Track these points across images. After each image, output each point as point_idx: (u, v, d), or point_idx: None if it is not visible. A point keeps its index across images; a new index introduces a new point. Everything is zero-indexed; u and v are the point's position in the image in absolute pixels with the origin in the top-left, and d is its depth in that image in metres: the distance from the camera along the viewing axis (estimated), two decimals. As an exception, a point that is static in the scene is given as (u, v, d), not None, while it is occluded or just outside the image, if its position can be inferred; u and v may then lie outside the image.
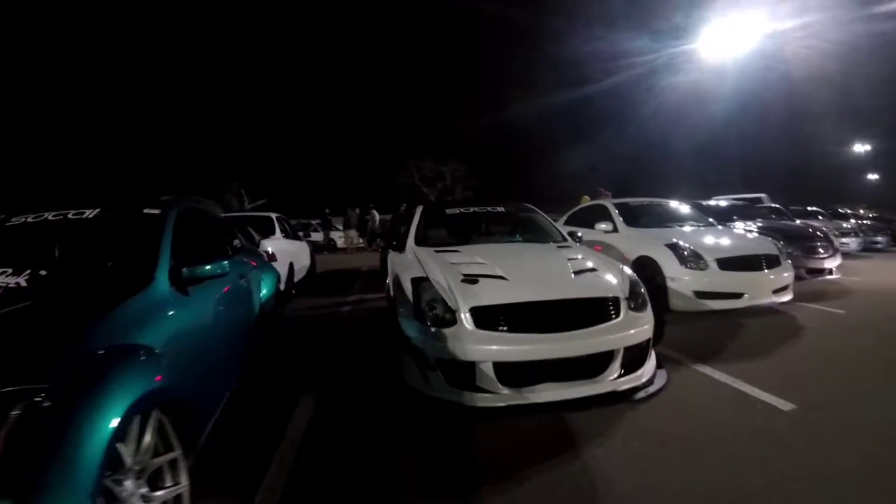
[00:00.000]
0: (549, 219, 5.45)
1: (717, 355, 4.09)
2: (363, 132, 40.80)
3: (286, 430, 2.94)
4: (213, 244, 3.59)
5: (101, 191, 21.79)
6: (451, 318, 3.07)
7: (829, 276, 7.75)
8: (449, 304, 3.14)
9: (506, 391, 2.91)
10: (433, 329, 3.08)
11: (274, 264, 7.09)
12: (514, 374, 2.94)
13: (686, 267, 5.42)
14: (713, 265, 5.38)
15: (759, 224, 8.78)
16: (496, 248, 4.35)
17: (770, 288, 5.43)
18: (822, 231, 8.63)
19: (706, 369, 3.77)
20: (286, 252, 7.84)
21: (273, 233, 8.13)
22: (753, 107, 32.19)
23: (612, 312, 3.20)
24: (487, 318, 3.03)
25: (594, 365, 3.07)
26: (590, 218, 7.28)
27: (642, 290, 3.51)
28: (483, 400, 2.92)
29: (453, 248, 4.21)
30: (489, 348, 2.93)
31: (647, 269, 5.73)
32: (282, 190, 29.68)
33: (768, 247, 5.87)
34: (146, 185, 24.23)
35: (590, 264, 3.68)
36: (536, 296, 3.18)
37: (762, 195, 13.54)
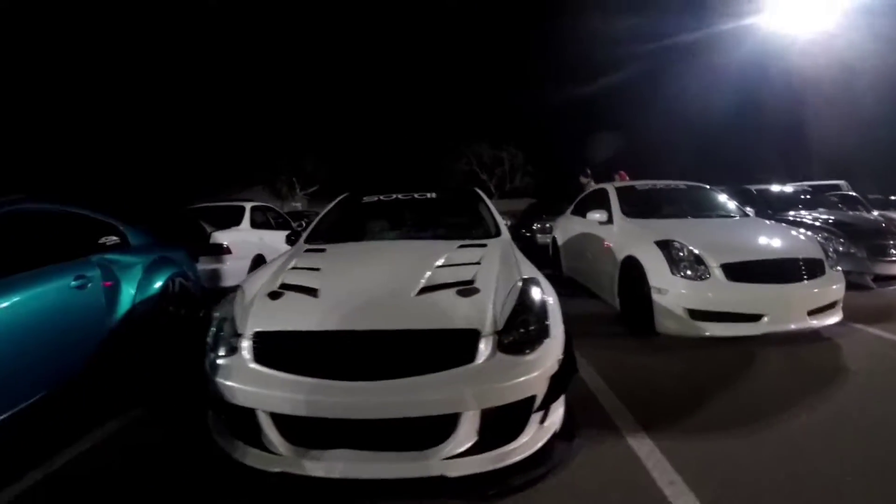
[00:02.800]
0: (490, 209, 4.18)
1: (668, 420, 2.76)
2: (421, 118, 39.96)
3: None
4: (41, 248, 3.23)
5: (164, 183, 22.58)
6: (234, 346, 2.26)
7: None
8: (236, 325, 2.34)
9: (285, 452, 2.05)
10: (212, 357, 2.29)
11: (230, 257, 6.65)
12: (303, 428, 2.05)
13: (678, 274, 3.95)
14: (717, 273, 3.86)
15: (818, 216, 6.84)
16: (369, 248, 3.45)
17: (804, 306, 3.84)
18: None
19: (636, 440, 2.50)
20: (250, 244, 7.38)
21: (238, 223, 7.44)
22: (844, 85, 27.32)
23: (465, 353, 2.09)
24: (272, 349, 2.19)
25: (425, 431, 2.01)
26: (592, 205, 5.93)
27: (538, 317, 2.31)
28: (255, 459, 2.10)
29: (320, 247, 3.39)
30: (266, 392, 2.06)
31: (633, 274, 4.36)
32: (339, 177, 29.70)
33: (809, 248, 4.21)
34: (207, 176, 24.98)
35: (468, 276, 2.53)
36: (337, 323, 2.21)
37: (841, 182, 11.65)
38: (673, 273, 3.95)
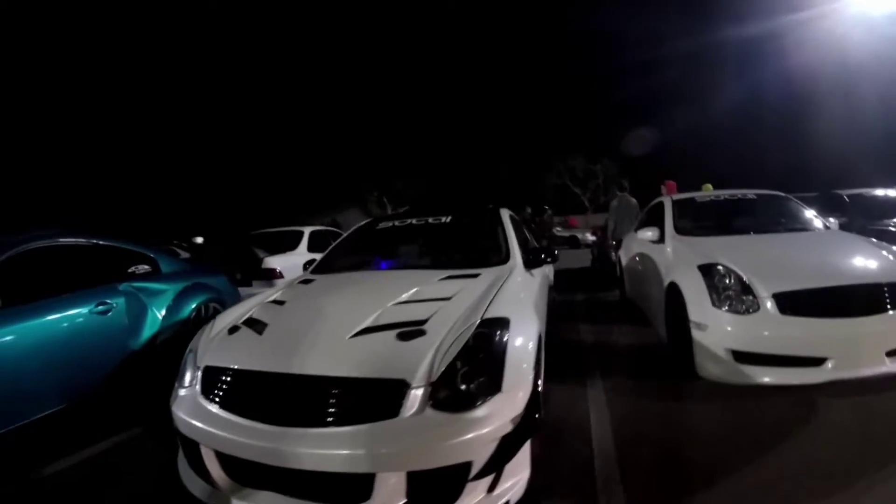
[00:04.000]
0: (507, 231, 3.75)
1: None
2: (513, 133, 39.58)
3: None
4: (71, 276, 3.60)
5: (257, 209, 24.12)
6: (192, 378, 2.34)
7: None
8: (197, 357, 2.42)
9: (224, 487, 2.06)
10: (176, 386, 2.41)
11: (283, 281, 6.85)
12: (237, 465, 2.04)
13: (720, 306, 3.30)
14: (769, 304, 3.17)
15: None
16: (349, 280, 3.28)
17: (882, 345, 3.04)
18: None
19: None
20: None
21: (295, 248, 7.72)
22: None
23: (389, 406, 1.88)
24: (216, 385, 2.21)
25: (345, 487, 1.86)
26: (649, 222, 5.36)
27: (488, 368, 1.99)
28: (199, 489, 2.14)
29: (311, 278, 3.46)
30: (205, 428, 2.08)
31: (677, 304, 3.75)
32: (431, 194, 30.18)
33: (893, 268, 3.36)
34: (299, 196, 26.40)
35: (424, 315, 2.29)
36: (267, 364, 2.16)
37: None
38: (714, 304, 3.33)
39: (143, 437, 3.28)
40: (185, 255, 9.94)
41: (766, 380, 3.11)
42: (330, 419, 1.87)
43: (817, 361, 3.05)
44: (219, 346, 2.41)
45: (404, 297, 2.53)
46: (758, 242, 4.21)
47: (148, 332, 3.91)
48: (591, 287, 8.55)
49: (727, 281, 3.39)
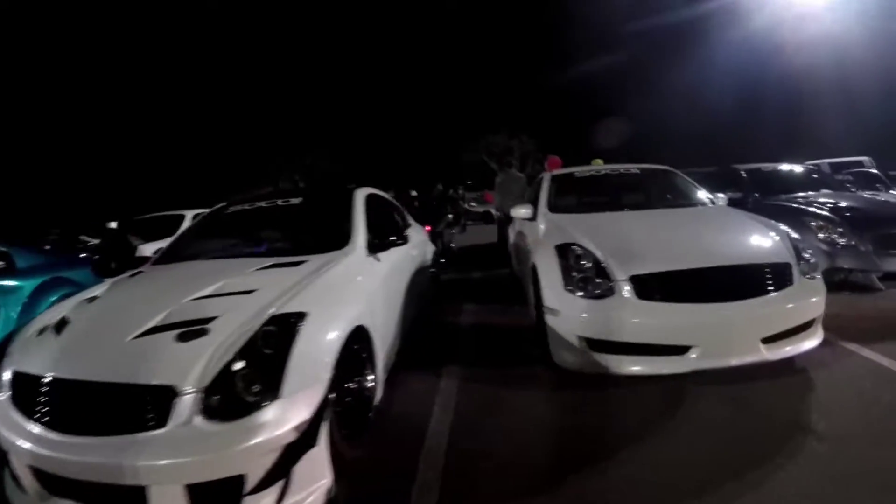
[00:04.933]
0: (357, 213, 3.36)
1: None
2: (429, 108, 38.61)
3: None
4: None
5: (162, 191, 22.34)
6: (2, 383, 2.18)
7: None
8: (8, 361, 2.24)
9: (32, 494, 1.95)
10: None
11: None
12: (45, 473, 1.90)
13: (573, 290, 2.88)
14: (625, 288, 2.77)
15: (816, 200, 5.48)
16: (171, 272, 3.01)
17: (756, 332, 2.72)
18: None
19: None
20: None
21: (174, 233, 6.80)
22: (875, 50, 23.98)
23: (158, 414, 1.75)
24: (19, 390, 2.05)
25: (127, 499, 1.73)
26: (533, 198, 4.90)
27: (267, 372, 1.84)
28: (15, 496, 2.02)
29: (139, 270, 3.17)
30: (7, 436, 1.93)
31: (536, 287, 3.30)
32: (347, 175, 29.02)
33: (771, 248, 3.06)
34: (206, 185, 24.48)
35: (214, 312, 2.09)
36: (53, 368, 1.99)
37: (864, 158, 10.35)
38: (567, 288, 2.89)
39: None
40: (94, 242, 9.69)
41: (625, 370, 2.74)
42: (107, 428, 1.77)
43: (681, 350, 2.69)
44: (25, 348, 2.23)
45: (207, 291, 2.33)
46: (630, 220, 3.85)
47: (3, 330, 3.64)
48: (490, 264, 8.16)
49: (582, 263, 2.97)
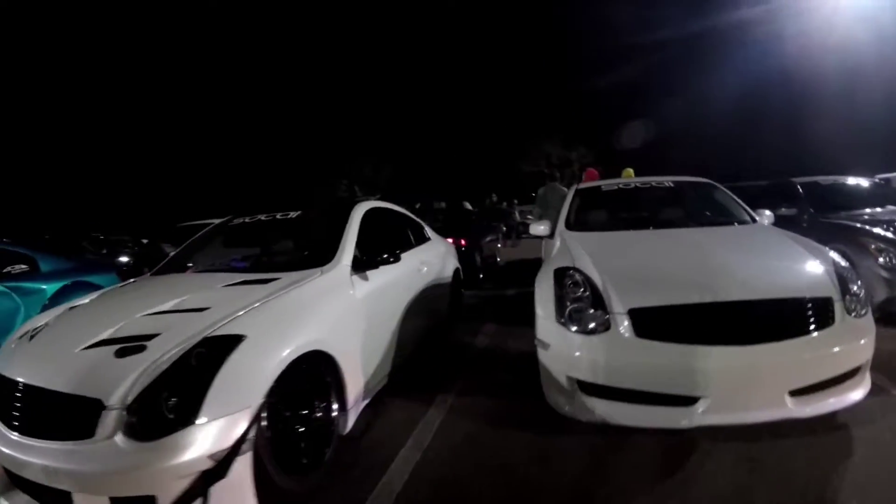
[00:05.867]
0: (347, 230, 3.22)
1: None
2: (490, 119, 38.28)
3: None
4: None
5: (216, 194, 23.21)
6: None
7: None
8: None
9: (1, 485, 2.06)
10: None
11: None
12: None
13: (566, 322, 2.53)
14: (623, 322, 2.39)
15: (882, 218, 4.75)
16: (156, 283, 3.08)
17: (782, 382, 2.27)
18: None
19: None
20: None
21: None
22: None
23: (85, 427, 1.79)
24: None
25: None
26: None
27: (186, 394, 1.82)
28: None
29: (133, 280, 3.47)
30: None
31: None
32: (403, 183, 29.25)
33: (810, 280, 2.57)
34: (265, 187, 25.30)
35: (158, 328, 2.11)
36: (17, 372, 2.11)
37: None
38: (559, 320, 2.55)
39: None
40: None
41: (617, 420, 2.36)
42: (46, 432, 1.87)
43: (686, 401, 2.29)
44: (8, 351, 2.36)
45: (166, 306, 2.34)
46: (652, 240, 3.42)
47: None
48: (527, 282, 7.75)
49: (579, 291, 2.61)
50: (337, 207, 3.71)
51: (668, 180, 4.39)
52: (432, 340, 4.28)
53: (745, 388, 2.26)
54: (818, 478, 2.12)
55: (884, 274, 4.11)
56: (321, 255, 2.97)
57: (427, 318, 4.08)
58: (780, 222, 5.43)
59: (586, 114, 35.98)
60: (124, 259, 11.00)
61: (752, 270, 2.65)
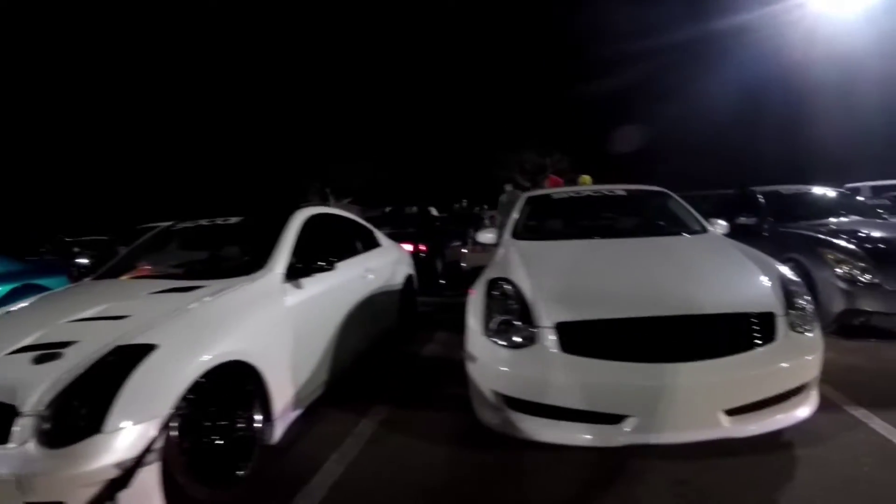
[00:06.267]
0: (283, 237, 3.14)
1: None
2: (467, 125, 37.98)
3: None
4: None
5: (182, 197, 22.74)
6: None
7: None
8: None
9: None
10: None
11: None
12: None
13: (492, 335, 2.40)
14: (549, 337, 2.26)
15: (841, 229, 4.68)
16: (93, 288, 3.08)
17: (718, 402, 2.16)
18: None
19: None
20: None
21: None
22: None
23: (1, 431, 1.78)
24: None
25: None
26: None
27: (92, 402, 1.81)
28: None
29: (80, 284, 3.47)
30: None
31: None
32: (377, 187, 29.10)
33: (751, 293, 2.48)
34: (230, 191, 24.78)
35: (76, 336, 2.11)
36: None
37: None
38: (486, 332, 2.41)
39: None
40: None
41: (542, 437, 2.25)
42: None
43: (613, 419, 2.16)
44: None
45: (89, 313, 2.35)
46: (594, 250, 3.29)
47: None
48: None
49: (508, 303, 2.48)
50: (276, 213, 3.59)
51: (620, 189, 4.30)
52: (379, 349, 4.16)
53: (675, 406, 2.13)
54: (755, 503, 1.99)
55: (842, 285, 4.02)
56: (254, 262, 2.94)
57: (373, 325, 3.98)
58: (740, 232, 5.38)
59: (564, 120, 35.81)
60: (83, 261, 10.70)
61: (692, 284, 2.54)
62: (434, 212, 14.38)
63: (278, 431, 2.50)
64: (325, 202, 31.36)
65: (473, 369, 2.46)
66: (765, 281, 2.55)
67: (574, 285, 2.58)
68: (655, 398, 2.11)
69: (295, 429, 2.72)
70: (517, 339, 2.31)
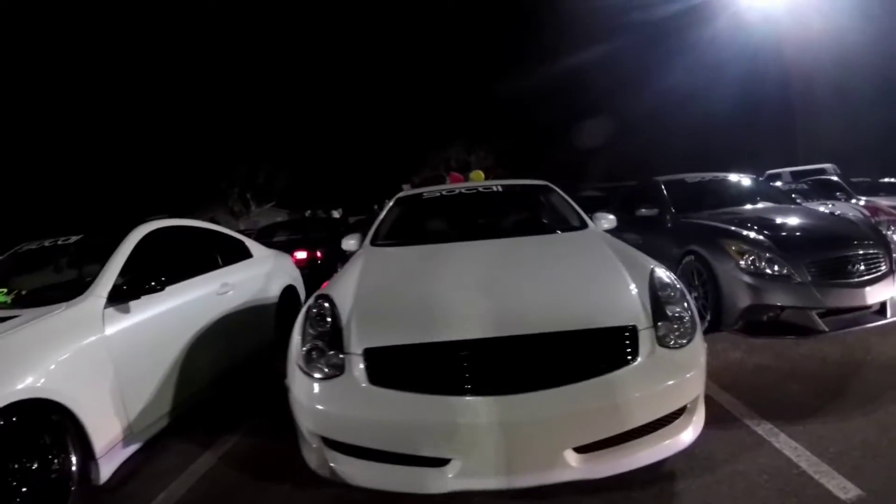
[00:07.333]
0: (113, 259, 2.85)
1: None
2: (392, 125, 37.29)
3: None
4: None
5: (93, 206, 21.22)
6: None
7: (872, 324, 3.63)
8: None
9: None
10: None
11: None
12: None
13: (305, 363, 2.05)
14: (357, 366, 1.95)
15: (747, 217, 4.47)
16: None
17: (563, 440, 1.84)
18: (871, 226, 4.45)
19: None
20: None
21: None
22: (841, 62, 22.82)
23: None
24: None
25: None
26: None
27: None
28: None
29: None
30: None
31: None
32: (300, 190, 28.20)
33: (613, 303, 2.16)
34: (145, 199, 23.11)
35: None
36: None
37: (828, 166, 9.76)
38: (298, 361, 2.07)
39: None
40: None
41: (360, 482, 1.92)
42: None
43: (436, 462, 1.84)
44: None
45: None
46: (445, 256, 2.91)
47: None
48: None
49: (321, 326, 2.15)
50: (112, 230, 3.24)
51: (499, 184, 4.01)
52: (252, 367, 3.83)
53: (507, 446, 1.81)
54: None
55: (746, 279, 3.70)
56: (76, 286, 2.72)
57: (236, 344, 3.65)
58: (641, 224, 5.12)
59: (491, 116, 35.22)
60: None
61: (540, 296, 2.22)
62: (335, 214, 14.04)
63: (106, 471, 2.33)
64: (245, 208, 30.22)
65: (292, 402, 2.10)
66: (630, 287, 2.22)
67: (394, 302, 2.26)
68: (478, 438, 1.80)
69: (130, 465, 2.55)
70: (325, 369, 1.99)
